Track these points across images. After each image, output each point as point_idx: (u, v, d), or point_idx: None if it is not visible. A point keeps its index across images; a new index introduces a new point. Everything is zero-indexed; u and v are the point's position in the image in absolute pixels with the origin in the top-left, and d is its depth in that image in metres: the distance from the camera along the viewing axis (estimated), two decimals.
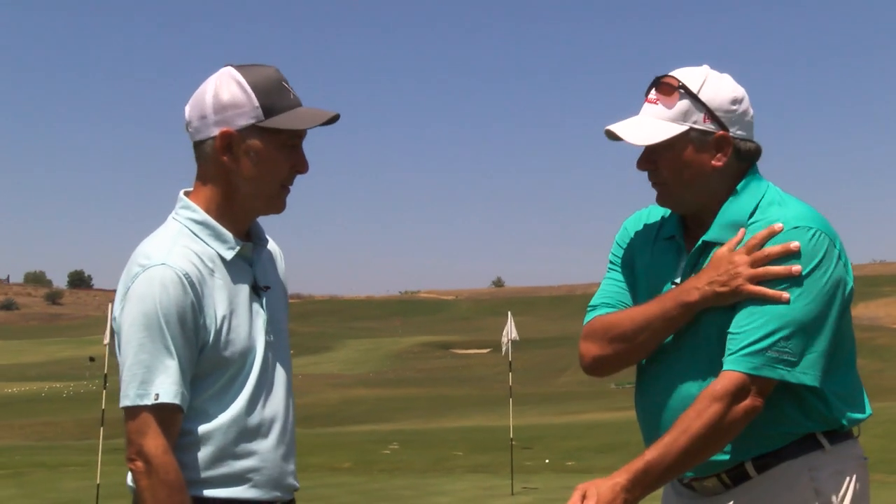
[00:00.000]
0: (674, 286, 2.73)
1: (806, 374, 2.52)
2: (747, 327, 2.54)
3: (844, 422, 2.67)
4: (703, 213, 2.76)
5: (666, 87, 2.71)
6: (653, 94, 2.74)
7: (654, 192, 2.83)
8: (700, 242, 2.73)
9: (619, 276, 2.95)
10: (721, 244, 2.67)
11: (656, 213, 2.95)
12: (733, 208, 2.71)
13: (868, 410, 2.74)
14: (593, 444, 20.11)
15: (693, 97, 2.67)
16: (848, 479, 2.66)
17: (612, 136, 2.77)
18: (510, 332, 14.03)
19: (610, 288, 2.94)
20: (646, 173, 2.80)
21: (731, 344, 2.55)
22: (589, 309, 2.93)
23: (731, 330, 2.57)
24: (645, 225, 2.96)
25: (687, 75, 2.72)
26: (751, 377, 2.51)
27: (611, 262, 2.99)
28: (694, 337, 2.67)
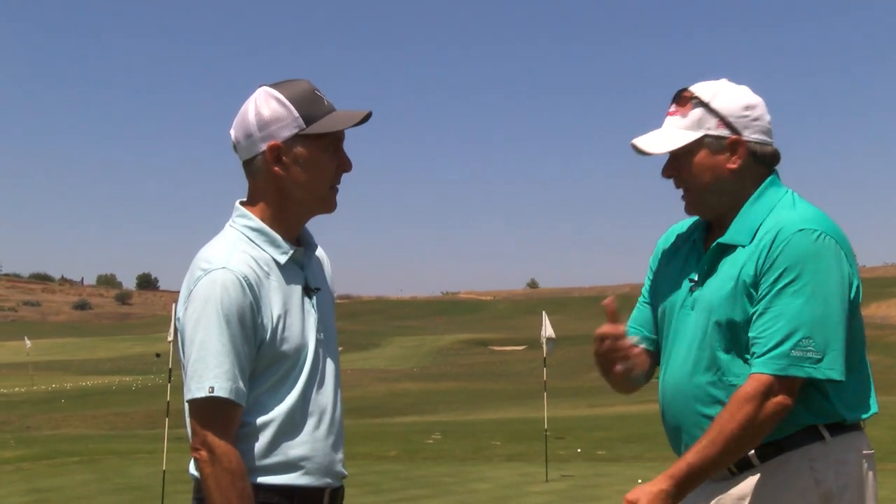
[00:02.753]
0: (691, 283, 2.75)
1: (832, 369, 2.52)
2: (769, 331, 2.54)
3: (847, 416, 2.65)
4: (726, 218, 2.76)
5: (682, 100, 2.76)
6: (672, 107, 2.79)
7: (677, 202, 2.84)
8: (715, 244, 2.73)
9: (646, 297, 3.01)
10: (736, 247, 2.68)
11: (687, 223, 2.97)
12: (750, 212, 2.71)
13: (874, 408, 2.72)
14: (622, 434, 19.99)
15: (705, 106, 2.71)
16: (849, 470, 2.63)
17: (638, 150, 2.80)
18: (546, 330, 13.99)
19: (636, 313, 3.04)
20: (672, 182, 2.82)
21: (756, 348, 2.56)
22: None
23: (752, 335, 2.58)
24: (676, 236, 2.99)
25: (701, 87, 2.76)
26: (778, 378, 2.51)
27: (646, 280, 3.04)
28: (696, 329, 2.70)
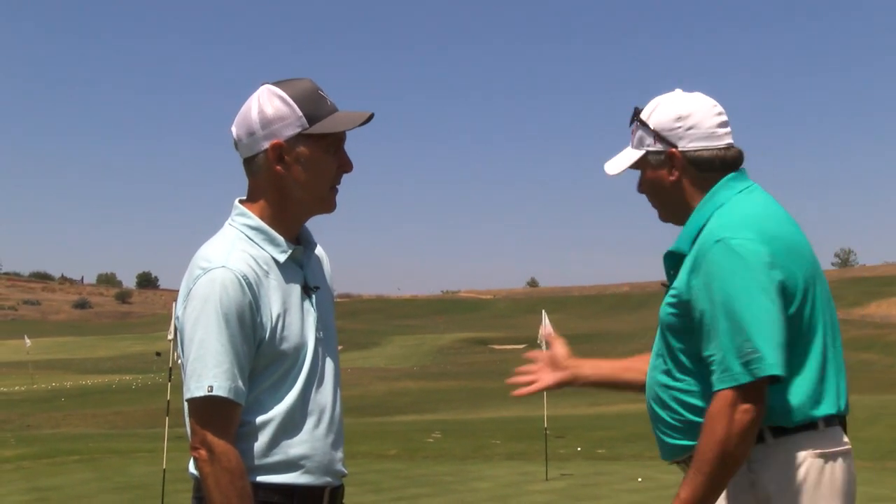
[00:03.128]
0: (663, 288, 2.83)
1: (774, 366, 2.49)
2: (714, 351, 2.55)
3: (792, 417, 2.61)
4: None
5: (632, 120, 2.88)
6: (631, 126, 2.91)
7: None
8: (666, 253, 2.80)
9: None
10: (682, 254, 2.73)
11: None
12: (692, 220, 2.77)
13: (830, 409, 2.64)
14: (622, 433, 19.99)
15: (643, 124, 2.82)
16: (791, 472, 2.59)
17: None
18: (545, 329, 13.98)
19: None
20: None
21: (712, 367, 2.56)
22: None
23: (705, 356, 2.59)
24: None
25: (647, 106, 2.86)
26: (735, 388, 2.50)
27: None
28: (657, 333, 2.80)
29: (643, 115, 2.83)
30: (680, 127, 2.77)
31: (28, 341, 68.11)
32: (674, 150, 2.77)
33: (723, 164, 2.79)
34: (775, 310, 2.53)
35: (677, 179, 2.79)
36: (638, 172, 2.91)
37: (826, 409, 2.64)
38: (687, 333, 2.65)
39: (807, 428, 2.63)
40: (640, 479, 12.93)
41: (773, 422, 2.60)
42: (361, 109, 2.65)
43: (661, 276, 2.89)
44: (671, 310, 2.70)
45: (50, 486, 14.01)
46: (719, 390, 2.52)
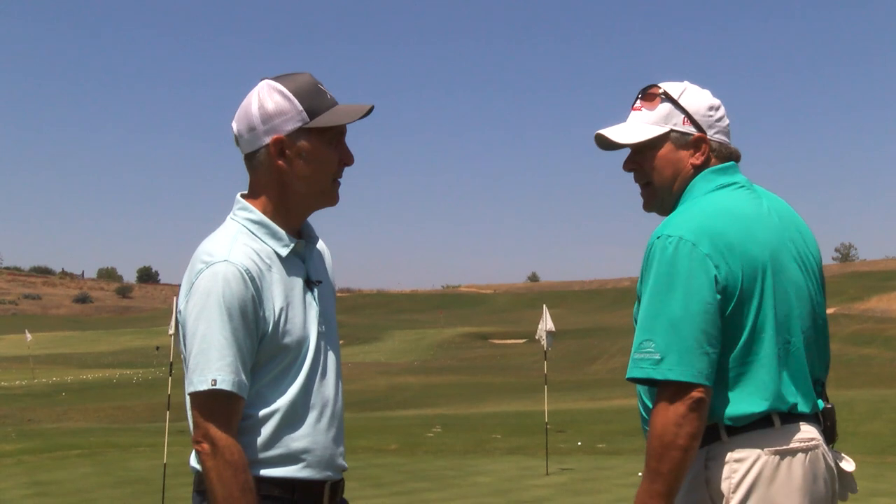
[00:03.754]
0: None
1: (672, 370, 2.50)
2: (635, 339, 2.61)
3: (743, 415, 2.60)
4: None
5: (649, 95, 2.83)
6: (637, 102, 2.86)
7: None
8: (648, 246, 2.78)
9: None
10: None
11: None
12: (677, 209, 2.79)
13: (780, 406, 2.63)
14: (622, 427, 20.01)
15: (674, 102, 2.79)
16: (744, 468, 2.59)
17: (602, 145, 2.88)
18: (546, 323, 14.00)
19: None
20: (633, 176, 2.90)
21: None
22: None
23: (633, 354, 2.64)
24: None
25: (669, 84, 2.84)
26: (634, 380, 2.59)
27: None
28: None
29: (673, 94, 2.80)
30: (712, 116, 2.81)
31: (29, 336, 68.06)
32: (703, 134, 2.79)
33: (733, 160, 2.85)
34: (700, 311, 2.53)
35: (701, 165, 2.79)
36: (625, 151, 2.88)
37: (777, 405, 2.62)
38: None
39: (761, 426, 2.62)
40: (640, 474, 12.91)
41: (725, 419, 2.61)
42: (360, 103, 2.66)
43: None
44: (636, 305, 2.72)
45: (51, 480, 14.04)
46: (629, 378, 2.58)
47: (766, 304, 2.64)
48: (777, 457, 2.60)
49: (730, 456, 2.60)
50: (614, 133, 2.83)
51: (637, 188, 2.91)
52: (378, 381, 55.26)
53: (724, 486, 2.59)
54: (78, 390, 52.35)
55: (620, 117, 2.91)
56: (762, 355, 2.63)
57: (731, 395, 2.60)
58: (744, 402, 2.60)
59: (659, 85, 2.84)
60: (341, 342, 2.82)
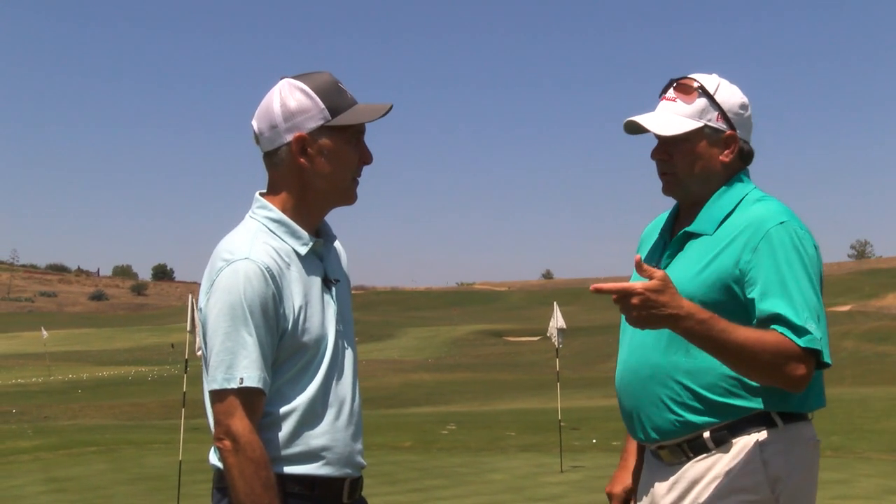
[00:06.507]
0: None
1: (827, 351, 2.59)
2: (789, 311, 2.58)
3: (801, 407, 2.73)
4: (697, 207, 2.85)
5: (685, 87, 2.83)
6: (671, 92, 2.85)
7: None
8: (682, 232, 2.82)
9: None
10: (701, 235, 2.77)
11: (661, 218, 3.07)
12: (717, 204, 2.81)
13: (823, 402, 2.79)
14: None
15: (710, 97, 2.80)
16: (797, 457, 2.70)
17: (631, 129, 2.89)
18: (557, 321, 13.99)
19: None
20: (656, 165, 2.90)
21: (781, 324, 2.57)
22: None
23: (770, 311, 2.59)
24: (656, 225, 3.08)
25: (704, 78, 2.84)
26: (807, 351, 2.55)
27: None
28: None
29: (710, 89, 2.81)
30: (743, 114, 2.85)
31: (45, 333, 68.43)
32: (734, 132, 2.82)
33: (749, 160, 2.89)
34: (821, 304, 2.65)
35: (729, 163, 2.82)
36: (649, 137, 2.89)
37: (819, 402, 2.78)
38: (723, 309, 2.62)
39: (804, 418, 2.75)
40: None
41: (783, 408, 2.69)
42: (376, 102, 2.67)
43: None
44: (707, 286, 2.68)
45: (67, 476, 14.11)
46: (798, 345, 2.54)
47: None
48: (816, 448, 2.77)
49: (787, 443, 2.69)
50: (650, 123, 2.82)
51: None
52: (392, 378, 55.32)
53: (782, 471, 2.67)
54: (93, 387, 52.59)
55: (633, 113, 2.89)
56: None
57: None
58: (807, 395, 2.70)
59: (695, 77, 2.84)
60: (356, 339, 2.83)
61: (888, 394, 26.53)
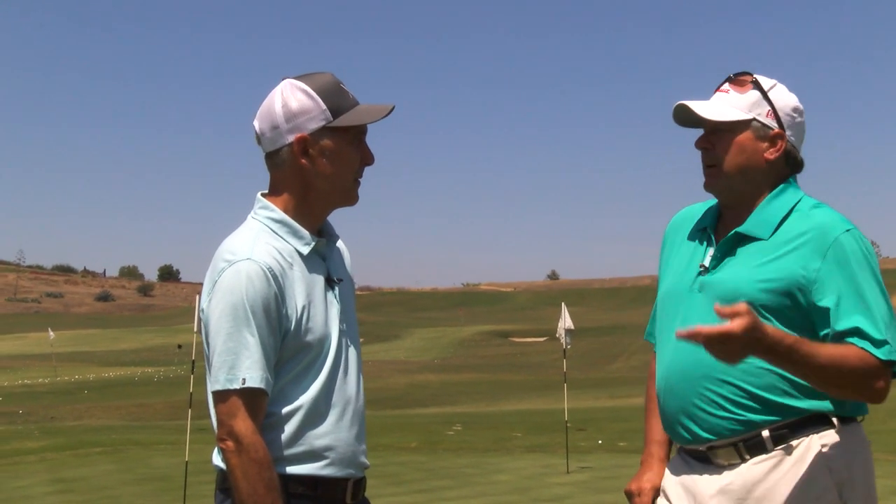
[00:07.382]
0: (701, 269, 2.78)
1: None
2: (866, 321, 2.59)
3: (856, 411, 2.73)
4: (741, 207, 2.81)
5: (740, 80, 2.82)
6: (726, 86, 2.84)
7: (697, 192, 2.87)
8: (733, 233, 2.77)
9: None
10: (755, 238, 2.72)
11: (697, 210, 3.00)
12: (770, 207, 2.76)
13: (867, 408, 2.78)
14: (643, 425, 19.95)
15: (763, 93, 2.78)
16: (858, 458, 2.69)
17: (680, 120, 2.85)
18: (565, 321, 13.99)
19: (653, 312, 3.05)
20: (699, 164, 2.85)
21: (858, 337, 2.58)
22: (646, 336, 3.10)
23: (859, 326, 2.59)
24: (685, 221, 3.02)
25: (760, 77, 2.83)
26: (885, 363, 2.57)
27: (659, 280, 3.05)
28: (708, 311, 2.58)
29: (764, 86, 2.80)
30: (795, 117, 2.82)
31: (52, 334, 68.58)
32: (783, 132, 2.78)
33: (798, 168, 2.86)
34: (890, 308, 2.65)
35: (773, 161, 2.78)
36: (682, 131, 2.88)
37: (865, 407, 2.77)
38: (781, 314, 2.62)
39: (856, 420, 2.75)
40: None
41: (840, 411, 2.68)
42: (380, 102, 2.67)
43: None
44: (768, 290, 2.64)
45: (73, 477, 14.13)
46: (878, 358, 2.55)
47: None
48: (867, 449, 2.77)
49: (847, 447, 2.67)
50: (698, 106, 2.79)
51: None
52: (398, 378, 55.30)
53: (845, 474, 2.65)
54: (100, 388, 52.66)
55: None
56: None
57: None
58: (860, 403, 2.72)
59: (751, 73, 2.83)
60: (361, 340, 2.83)
61: (893, 394, 26.45)
